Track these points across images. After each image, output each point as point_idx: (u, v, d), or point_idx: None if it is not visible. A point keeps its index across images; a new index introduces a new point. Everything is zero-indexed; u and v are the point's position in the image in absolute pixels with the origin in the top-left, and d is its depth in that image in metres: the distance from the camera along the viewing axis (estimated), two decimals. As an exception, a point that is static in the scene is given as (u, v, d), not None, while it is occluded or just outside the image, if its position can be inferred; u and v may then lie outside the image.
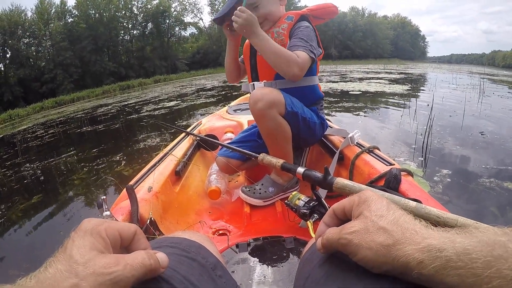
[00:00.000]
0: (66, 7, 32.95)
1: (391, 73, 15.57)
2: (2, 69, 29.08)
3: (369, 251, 0.36)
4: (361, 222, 0.39)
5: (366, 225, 0.38)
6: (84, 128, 6.79)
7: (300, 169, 0.96)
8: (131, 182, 1.17)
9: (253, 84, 1.34)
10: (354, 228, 0.39)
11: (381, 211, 0.39)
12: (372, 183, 1.04)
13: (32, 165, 4.17)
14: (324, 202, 0.94)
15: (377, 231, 0.36)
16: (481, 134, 3.43)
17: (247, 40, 1.45)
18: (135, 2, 37.27)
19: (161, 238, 0.60)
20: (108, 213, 0.81)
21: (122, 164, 3.49)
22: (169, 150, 1.54)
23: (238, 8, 1.16)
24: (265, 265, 0.91)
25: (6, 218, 2.55)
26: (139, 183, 1.17)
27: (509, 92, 7.84)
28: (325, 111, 1.47)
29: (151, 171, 1.27)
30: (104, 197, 0.84)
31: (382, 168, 1.08)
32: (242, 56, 1.51)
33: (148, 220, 0.97)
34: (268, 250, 0.97)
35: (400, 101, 6.15)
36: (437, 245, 0.32)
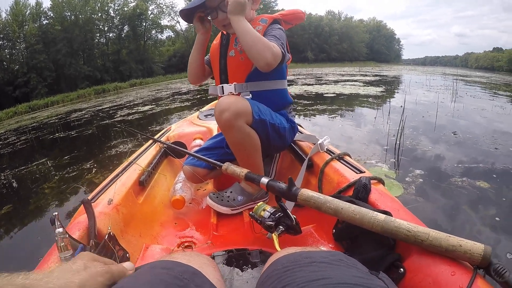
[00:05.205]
0: (42, 9, 31.64)
1: (366, 75, 15.90)
2: (-26, 72, 27.74)
3: None
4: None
5: None
6: (57, 134, 6.56)
7: (264, 180, 0.93)
8: (90, 196, 1.11)
9: (222, 86, 1.30)
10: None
11: None
12: (340, 193, 1.01)
13: (3, 174, 4.00)
14: (290, 213, 0.90)
15: None
16: (454, 134, 3.52)
17: (214, 42, 1.42)
18: (112, 5, 36.29)
19: (154, 262, 0.55)
20: (61, 229, 0.75)
21: (93, 171, 3.37)
22: (134, 159, 1.47)
23: None
24: (228, 280, 0.87)
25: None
26: (99, 196, 1.11)
27: (481, 93, 8.13)
28: (300, 115, 1.45)
29: (113, 182, 1.20)
30: (56, 213, 0.78)
31: (352, 176, 1.05)
32: (207, 56, 1.47)
33: (107, 235, 0.91)
34: (233, 264, 0.93)
35: (374, 103, 6.26)
36: None
